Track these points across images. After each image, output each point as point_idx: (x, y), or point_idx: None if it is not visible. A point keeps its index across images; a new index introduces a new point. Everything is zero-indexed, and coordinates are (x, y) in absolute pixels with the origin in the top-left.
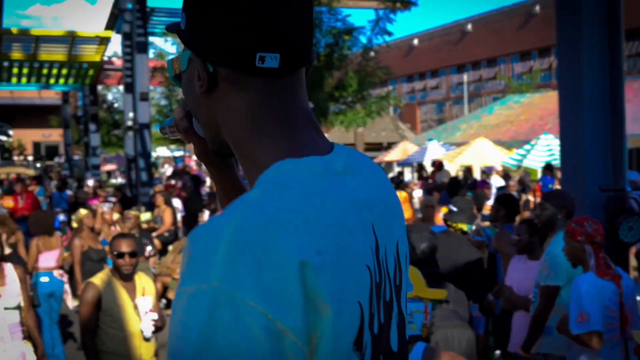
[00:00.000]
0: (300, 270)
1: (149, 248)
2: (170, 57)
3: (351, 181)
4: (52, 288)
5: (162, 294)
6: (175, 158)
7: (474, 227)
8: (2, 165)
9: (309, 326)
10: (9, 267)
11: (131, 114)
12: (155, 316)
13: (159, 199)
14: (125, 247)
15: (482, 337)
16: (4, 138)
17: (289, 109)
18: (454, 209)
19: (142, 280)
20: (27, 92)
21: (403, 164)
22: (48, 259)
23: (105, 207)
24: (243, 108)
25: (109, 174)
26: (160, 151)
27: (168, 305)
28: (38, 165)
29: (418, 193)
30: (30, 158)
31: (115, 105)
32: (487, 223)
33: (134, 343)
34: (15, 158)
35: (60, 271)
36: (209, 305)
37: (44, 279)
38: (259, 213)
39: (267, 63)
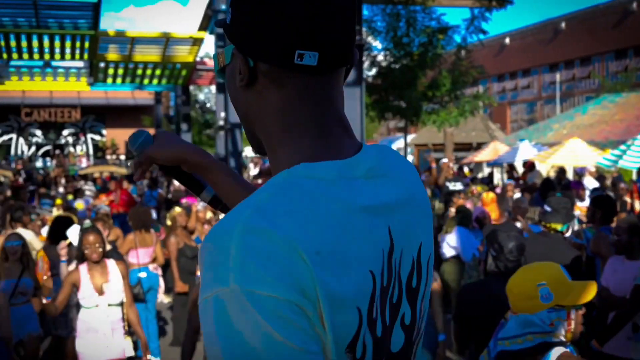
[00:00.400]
0: (304, 262)
1: None
2: (218, 51)
3: (369, 185)
4: (150, 283)
5: None
6: (262, 158)
7: (570, 227)
8: (95, 164)
9: (319, 309)
10: (112, 264)
11: (222, 114)
12: None
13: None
14: None
15: None
16: (97, 137)
17: (321, 108)
18: (548, 209)
19: None
20: (120, 93)
21: (493, 164)
22: (143, 255)
23: (200, 206)
24: (278, 104)
25: None
26: (249, 151)
27: None
28: (129, 164)
29: (517, 196)
30: (122, 157)
31: (208, 105)
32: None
33: None
34: (108, 157)
35: (155, 264)
36: (235, 306)
37: (142, 275)
38: (263, 216)
39: (306, 61)
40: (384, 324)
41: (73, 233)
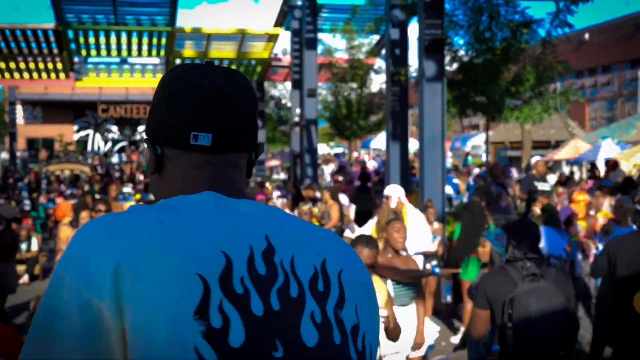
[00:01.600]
0: (115, 272)
1: None
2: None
3: (241, 212)
4: None
5: None
6: (336, 155)
7: None
8: None
9: (119, 300)
10: None
11: (298, 110)
12: (385, 313)
13: (326, 195)
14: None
15: None
16: None
17: (214, 182)
18: None
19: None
20: None
21: (573, 162)
22: None
23: (279, 203)
24: (179, 182)
25: (271, 169)
26: (322, 149)
27: None
28: None
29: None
30: None
31: (283, 101)
32: None
33: None
34: None
35: None
36: (52, 280)
37: None
38: (106, 218)
39: (201, 141)
40: (268, 307)
41: None
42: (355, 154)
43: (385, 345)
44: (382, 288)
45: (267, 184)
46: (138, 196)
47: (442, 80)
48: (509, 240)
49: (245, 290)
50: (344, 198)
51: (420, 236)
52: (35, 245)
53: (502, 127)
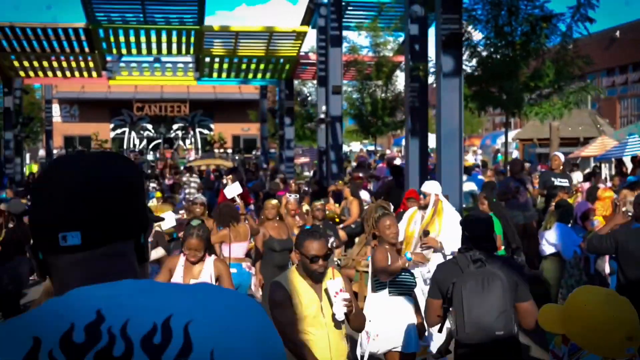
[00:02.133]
0: None
1: (331, 240)
2: None
3: (83, 297)
4: (239, 280)
5: None
6: (369, 152)
7: None
8: (202, 158)
9: None
10: (209, 262)
11: (323, 107)
12: (347, 296)
13: (346, 191)
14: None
15: None
16: (206, 131)
17: (88, 279)
18: None
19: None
20: (228, 87)
21: (601, 159)
22: (237, 250)
23: (291, 198)
24: (58, 284)
25: (302, 166)
26: (354, 146)
27: None
28: (237, 157)
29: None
30: (229, 151)
31: (309, 98)
32: None
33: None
34: (216, 151)
35: (248, 263)
36: None
37: (232, 270)
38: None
39: (70, 241)
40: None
41: (168, 219)
42: (388, 152)
43: (384, 343)
44: (337, 274)
45: (292, 181)
46: (159, 194)
47: (460, 76)
48: (462, 232)
49: (57, 355)
50: (364, 194)
51: (455, 234)
52: None
53: (531, 124)
